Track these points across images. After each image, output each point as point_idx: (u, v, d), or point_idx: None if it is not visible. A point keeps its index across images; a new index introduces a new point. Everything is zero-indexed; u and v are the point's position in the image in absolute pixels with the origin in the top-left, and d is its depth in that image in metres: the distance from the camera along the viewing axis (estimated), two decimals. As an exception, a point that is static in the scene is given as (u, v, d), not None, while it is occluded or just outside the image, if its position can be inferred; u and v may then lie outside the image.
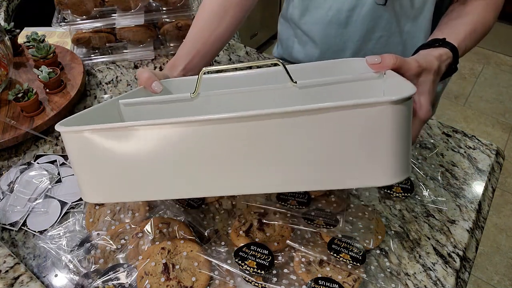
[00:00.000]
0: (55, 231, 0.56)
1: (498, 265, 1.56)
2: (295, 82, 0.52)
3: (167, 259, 0.50)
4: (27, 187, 0.62)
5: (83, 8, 0.86)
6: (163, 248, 0.50)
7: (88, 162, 0.42)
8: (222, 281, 0.49)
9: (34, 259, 0.54)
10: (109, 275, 0.49)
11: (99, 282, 0.48)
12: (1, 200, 0.60)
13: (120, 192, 0.43)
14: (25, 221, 0.58)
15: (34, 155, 0.69)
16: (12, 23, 0.88)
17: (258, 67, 0.88)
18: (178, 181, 0.41)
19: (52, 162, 0.66)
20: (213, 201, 0.60)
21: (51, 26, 0.86)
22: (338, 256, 0.49)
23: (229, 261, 0.51)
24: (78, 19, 0.87)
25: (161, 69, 0.90)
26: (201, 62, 0.69)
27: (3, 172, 0.65)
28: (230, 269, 0.49)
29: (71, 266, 0.51)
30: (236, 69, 0.61)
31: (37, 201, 0.60)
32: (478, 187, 0.63)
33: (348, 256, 0.49)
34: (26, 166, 0.65)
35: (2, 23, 1.01)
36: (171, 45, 0.94)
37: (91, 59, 0.92)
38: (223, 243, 0.54)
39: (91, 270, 0.50)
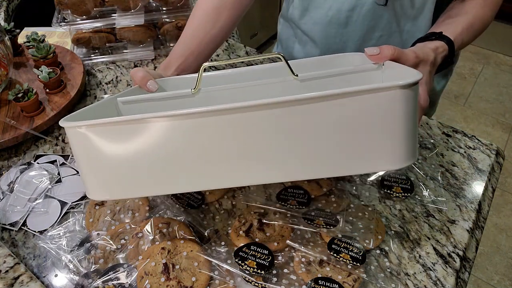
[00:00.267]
0: (55, 231, 0.56)
1: (498, 265, 1.56)
2: (296, 75, 0.53)
3: (167, 259, 0.50)
4: (27, 187, 0.62)
5: (83, 8, 0.86)
6: (163, 248, 0.50)
7: (93, 158, 0.41)
8: (222, 281, 0.49)
9: (34, 259, 0.54)
10: (109, 275, 0.49)
11: (99, 282, 0.48)
12: (1, 200, 0.60)
13: (126, 188, 0.42)
14: (25, 221, 0.58)
15: (34, 155, 0.69)
16: (12, 23, 0.88)
17: (260, 62, 0.88)
18: (185, 174, 0.41)
19: (52, 162, 0.66)
20: (213, 201, 0.60)
21: (51, 26, 0.86)
22: (338, 256, 0.49)
23: (229, 261, 0.51)
24: (78, 19, 0.87)
25: (161, 69, 0.90)
26: (195, 63, 0.68)
27: (3, 172, 0.65)
28: (230, 269, 0.49)
29: (71, 266, 0.51)
30: (234, 65, 0.61)
31: (37, 201, 0.60)
32: (478, 187, 0.63)
33: (348, 256, 0.49)
34: (26, 166, 0.65)
35: (2, 23, 1.01)
36: (171, 45, 0.94)
37: (91, 59, 0.92)
38: (223, 243, 0.54)
39: (91, 270, 0.50)
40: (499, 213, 1.74)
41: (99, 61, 0.92)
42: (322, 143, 0.39)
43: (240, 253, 0.50)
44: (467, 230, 0.57)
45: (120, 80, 0.87)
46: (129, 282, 0.48)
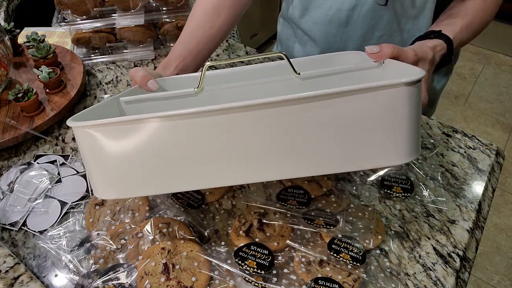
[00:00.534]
0: (55, 231, 0.56)
1: (498, 265, 1.56)
2: (298, 74, 0.53)
3: (167, 259, 0.50)
4: (27, 187, 0.62)
5: (83, 8, 0.86)
6: (163, 248, 0.50)
7: (100, 157, 0.41)
8: (222, 281, 0.49)
9: (34, 259, 0.54)
10: (109, 275, 0.49)
11: (99, 282, 0.48)
12: (1, 200, 0.60)
13: (133, 186, 0.42)
14: (25, 221, 0.58)
15: (34, 155, 0.69)
16: (12, 23, 0.88)
17: (261, 61, 0.88)
18: (190, 173, 0.41)
19: (52, 162, 0.66)
20: (213, 201, 0.60)
21: (51, 26, 0.86)
22: (338, 256, 0.49)
23: (229, 261, 0.51)
24: (78, 19, 0.87)
25: (161, 69, 0.90)
26: (194, 62, 0.68)
27: (3, 172, 0.65)
28: (230, 269, 0.49)
29: (71, 266, 0.51)
30: (235, 65, 0.61)
31: (37, 201, 0.60)
32: (478, 187, 0.63)
33: (348, 256, 0.49)
34: (26, 166, 0.65)
35: (2, 23, 1.01)
36: (171, 45, 0.94)
37: (91, 59, 0.92)
38: (223, 243, 0.54)
39: (91, 270, 0.50)
40: (499, 213, 1.74)
41: (99, 61, 0.92)
42: (328, 140, 0.40)
43: (240, 253, 0.50)
44: (467, 230, 0.57)
45: (120, 80, 0.87)
46: (129, 282, 0.48)
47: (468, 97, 2.32)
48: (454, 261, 0.54)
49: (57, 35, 0.99)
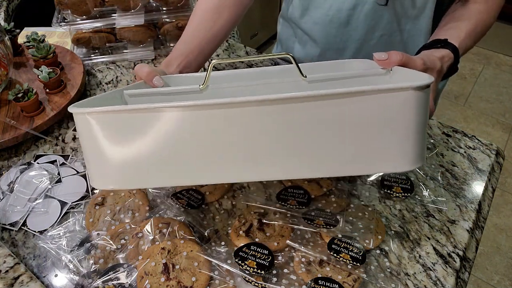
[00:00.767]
0: (55, 231, 0.56)
1: (498, 265, 1.56)
2: (305, 76, 0.53)
3: (167, 259, 0.50)
4: (27, 187, 0.62)
5: (83, 8, 0.86)
6: (163, 248, 0.50)
7: (99, 145, 0.41)
8: (222, 281, 0.49)
9: (34, 259, 0.54)
10: (109, 275, 0.49)
11: (99, 282, 0.48)
12: (1, 200, 0.60)
13: (131, 178, 0.42)
14: (25, 221, 0.58)
15: (34, 155, 0.69)
16: (12, 23, 0.88)
17: (261, 62, 0.88)
18: (191, 167, 0.41)
19: (52, 162, 0.66)
20: (213, 201, 0.60)
21: (51, 26, 0.86)
22: (338, 256, 0.49)
23: (229, 261, 0.51)
24: (78, 19, 0.87)
25: (161, 69, 0.90)
26: (196, 61, 0.69)
27: (3, 172, 0.65)
28: (230, 269, 0.49)
29: (71, 266, 0.51)
30: (235, 65, 0.61)
31: (37, 201, 0.60)
32: (478, 187, 0.63)
33: (348, 256, 0.49)
34: (26, 166, 0.65)
35: (2, 23, 1.01)
36: (171, 45, 0.94)
37: (91, 59, 0.92)
38: (223, 243, 0.54)
39: (91, 270, 0.50)
40: (499, 213, 1.74)
41: (99, 61, 0.92)
42: (334, 141, 0.39)
43: (240, 253, 0.50)
44: (467, 230, 0.57)
45: (120, 80, 0.87)
46: (129, 282, 0.48)
47: (468, 97, 2.32)
48: (454, 261, 0.54)
49: (57, 35, 0.99)
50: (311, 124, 0.39)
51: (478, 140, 0.72)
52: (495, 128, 2.14)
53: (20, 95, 0.71)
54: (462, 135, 0.73)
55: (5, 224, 0.58)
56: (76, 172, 0.65)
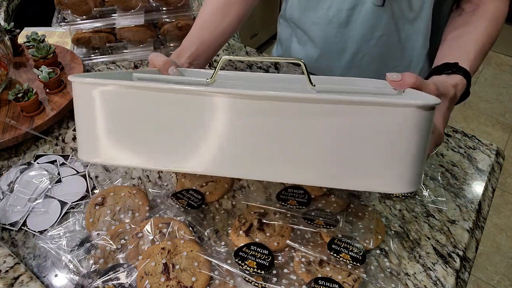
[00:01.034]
0: (55, 231, 0.56)
1: (498, 265, 1.56)
2: (314, 86, 0.52)
3: (167, 259, 0.50)
4: (27, 187, 0.62)
5: (83, 8, 0.86)
6: (163, 248, 0.50)
7: (94, 118, 0.41)
8: (222, 281, 0.49)
9: (34, 259, 0.54)
10: (109, 275, 0.49)
11: (99, 282, 0.48)
12: (1, 200, 0.60)
13: (118, 154, 0.41)
14: (25, 221, 0.58)
15: (34, 155, 0.69)
16: (12, 23, 0.88)
17: (261, 62, 0.88)
18: (179, 153, 0.40)
19: (52, 162, 0.66)
20: (213, 201, 0.60)
21: (51, 26, 0.86)
22: (338, 256, 0.49)
23: (229, 261, 0.51)
24: (78, 19, 0.87)
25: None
26: (206, 53, 0.71)
27: (3, 172, 0.65)
28: (230, 269, 0.49)
29: (71, 266, 0.51)
30: (251, 68, 0.60)
31: (37, 201, 0.60)
32: (478, 187, 0.64)
33: (348, 256, 0.49)
34: (26, 166, 0.65)
35: (2, 23, 1.01)
36: (171, 45, 0.94)
37: (91, 59, 0.92)
38: (223, 243, 0.54)
39: (91, 270, 0.50)
40: (499, 213, 1.74)
41: (99, 61, 0.92)
42: (319, 151, 0.38)
43: (240, 253, 0.50)
44: (467, 230, 0.57)
45: (120, 80, 0.87)
46: (129, 282, 0.48)
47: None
48: (454, 261, 0.54)
49: (57, 35, 0.99)
50: (300, 128, 0.37)
51: (478, 140, 0.72)
52: (495, 128, 2.14)
53: (20, 95, 0.71)
54: (462, 135, 0.73)
55: (5, 224, 0.58)
56: (76, 172, 0.65)
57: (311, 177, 0.39)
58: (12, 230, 0.57)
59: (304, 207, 0.56)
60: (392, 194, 0.60)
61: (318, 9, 0.77)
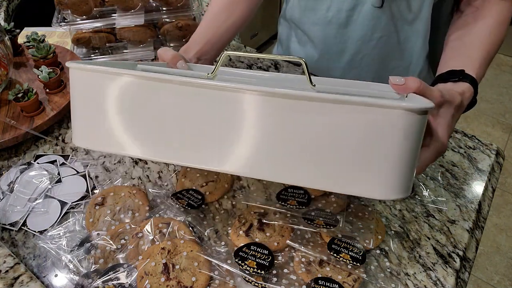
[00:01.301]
0: (55, 231, 0.56)
1: (498, 265, 1.56)
2: (314, 85, 0.52)
3: (167, 259, 0.50)
4: (27, 187, 0.62)
5: (83, 8, 0.86)
6: (163, 248, 0.50)
7: (90, 104, 0.41)
8: (222, 281, 0.49)
9: (34, 259, 0.54)
10: (109, 275, 0.49)
11: (99, 282, 0.48)
12: (1, 200, 0.60)
13: (110, 143, 0.41)
14: (25, 221, 0.58)
15: (34, 155, 0.69)
16: (12, 23, 0.88)
17: (261, 62, 0.88)
18: (173, 145, 0.40)
19: (52, 162, 0.66)
20: (213, 201, 0.60)
21: (51, 26, 0.86)
22: (338, 256, 0.49)
23: (229, 261, 0.51)
24: (78, 19, 0.87)
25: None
26: (213, 49, 0.72)
27: (3, 172, 0.65)
28: (230, 269, 0.49)
29: (71, 266, 0.51)
30: (251, 68, 0.60)
31: (37, 201, 0.60)
32: (478, 187, 0.64)
33: (348, 256, 0.49)
34: (26, 166, 0.65)
35: (2, 23, 1.01)
36: (171, 45, 0.94)
37: (91, 59, 0.92)
38: (223, 243, 0.54)
39: (91, 270, 0.50)
40: (499, 213, 1.74)
41: (99, 61, 0.92)
42: (305, 151, 0.37)
43: (240, 253, 0.50)
44: (467, 230, 0.57)
45: (120, 80, 0.87)
46: (129, 282, 0.48)
47: (468, 97, 2.32)
48: (454, 261, 0.54)
49: (57, 35, 0.99)
50: (289, 126, 0.36)
51: (478, 140, 0.72)
52: (495, 128, 2.14)
53: (20, 95, 0.71)
54: (462, 135, 0.73)
55: (5, 224, 0.58)
56: (76, 172, 0.65)
57: (299, 178, 0.38)
58: (12, 230, 0.57)
59: (304, 207, 0.56)
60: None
61: (318, 10, 0.77)
